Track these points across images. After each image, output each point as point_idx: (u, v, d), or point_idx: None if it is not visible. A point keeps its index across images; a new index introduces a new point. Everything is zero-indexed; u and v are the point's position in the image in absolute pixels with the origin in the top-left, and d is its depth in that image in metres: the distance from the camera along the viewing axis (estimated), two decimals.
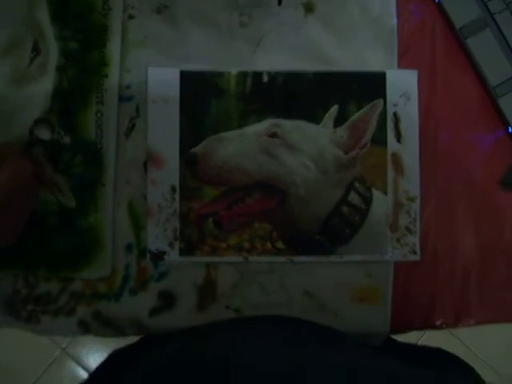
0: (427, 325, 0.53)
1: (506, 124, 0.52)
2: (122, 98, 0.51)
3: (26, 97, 0.51)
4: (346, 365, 0.40)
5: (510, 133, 0.53)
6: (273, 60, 0.52)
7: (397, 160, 0.51)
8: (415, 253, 0.51)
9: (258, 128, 0.51)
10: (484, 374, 0.50)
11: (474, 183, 0.53)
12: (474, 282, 0.53)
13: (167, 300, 0.51)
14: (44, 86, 0.51)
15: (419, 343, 1.05)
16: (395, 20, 0.52)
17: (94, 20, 0.51)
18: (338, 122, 0.51)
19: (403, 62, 0.52)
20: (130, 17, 0.52)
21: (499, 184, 0.53)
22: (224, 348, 0.42)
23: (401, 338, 0.55)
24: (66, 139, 0.51)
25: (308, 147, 0.51)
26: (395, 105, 0.51)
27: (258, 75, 0.51)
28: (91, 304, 0.51)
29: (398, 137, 0.51)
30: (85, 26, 0.52)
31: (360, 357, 0.44)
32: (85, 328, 0.52)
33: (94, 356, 1.25)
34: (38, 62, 0.52)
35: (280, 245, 0.51)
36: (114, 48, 0.51)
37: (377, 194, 0.51)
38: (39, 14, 0.52)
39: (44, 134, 0.49)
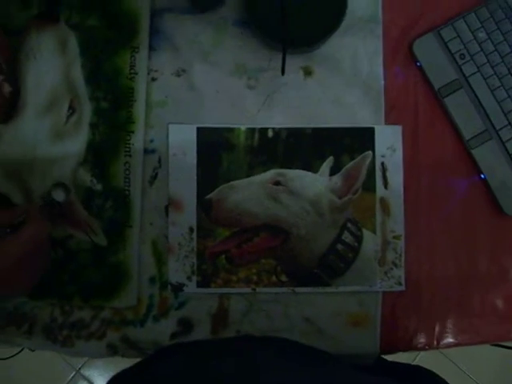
0: (412, 346, 0.60)
1: (479, 171, 0.60)
2: (147, 151, 0.59)
3: (64, 150, 0.59)
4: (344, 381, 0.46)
5: (482, 179, 0.60)
6: (276, 117, 0.60)
7: (384, 204, 0.59)
8: (400, 284, 0.59)
9: (264, 177, 0.59)
10: None
11: (452, 222, 0.61)
12: (452, 309, 0.60)
13: (185, 326, 0.59)
14: (79, 140, 0.59)
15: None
16: (382, 81, 0.60)
17: (123, 83, 0.59)
18: (333, 171, 0.59)
19: (389, 118, 0.60)
20: (153, 79, 0.60)
21: None
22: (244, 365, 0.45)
23: (395, 358, 0.62)
24: (99, 186, 0.59)
25: (307, 193, 0.59)
26: (383, 156, 0.59)
27: (263, 131, 0.59)
28: (119, 329, 0.59)
29: (386, 184, 0.59)
30: (114, 88, 0.59)
31: (353, 375, 0.50)
32: (113, 350, 0.59)
33: (106, 377, 1.32)
34: (73, 120, 0.59)
35: (283, 278, 0.58)
36: (139, 107, 0.59)
37: (367, 234, 0.59)
38: (75, 77, 0.60)
39: (60, 196, 0.57)
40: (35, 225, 0.50)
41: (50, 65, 0.59)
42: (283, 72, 0.56)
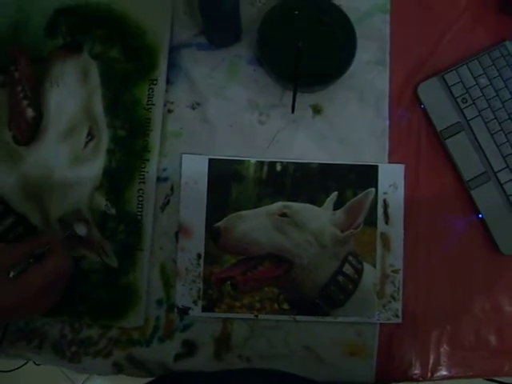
0: (407, 377, 0.63)
1: (477, 211, 0.63)
2: (160, 179, 0.62)
3: (81, 174, 0.62)
4: None
5: (480, 218, 0.63)
6: (285, 152, 0.63)
7: (385, 239, 0.62)
8: (398, 316, 0.62)
9: (271, 208, 0.61)
10: None
11: (449, 258, 0.63)
12: (446, 342, 0.62)
13: (189, 348, 0.61)
14: (96, 166, 0.62)
15: None
16: (387, 122, 0.63)
17: (140, 113, 0.63)
18: (337, 205, 0.62)
19: (393, 157, 0.63)
20: (169, 111, 0.63)
21: None
22: None
23: None
24: (113, 211, 0.62)
25: (311, 226, 0.61)
26: (385, 193, 0.62)
27: (272, 164, 0.62)
28: (126, 348, 0.61)
29: (387, 220, 0.62)
30: (132, 118, 0.63)
31: None
32: (118, 368, 0.62)
33: None
34: (91, 146, 0.63)
35: (285, 306, 0.61)
36: (155, 137, 0.62)
37: (367, 267, 0.61)
38: (95, 105, 0.63)
39: (82, 231, 0.60)
40: (59, 258, 0.53)
41: (72, 93, 0.63)
42: (293, 110, 0.59)
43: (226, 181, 0.62)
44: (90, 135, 0.62)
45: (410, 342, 0.62)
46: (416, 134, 0.64)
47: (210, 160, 0.62)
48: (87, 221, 0.60)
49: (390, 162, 0.63)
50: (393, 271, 0.61)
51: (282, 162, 0.62)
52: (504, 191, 0.62)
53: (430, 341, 0.62)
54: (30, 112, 0.63)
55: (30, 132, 0.62)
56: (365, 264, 0.61)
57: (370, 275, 0.61)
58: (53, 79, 0.63)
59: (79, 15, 0.64)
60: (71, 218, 0.61)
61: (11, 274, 0.50)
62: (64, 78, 0.63)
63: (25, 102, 0.63)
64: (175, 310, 0.61)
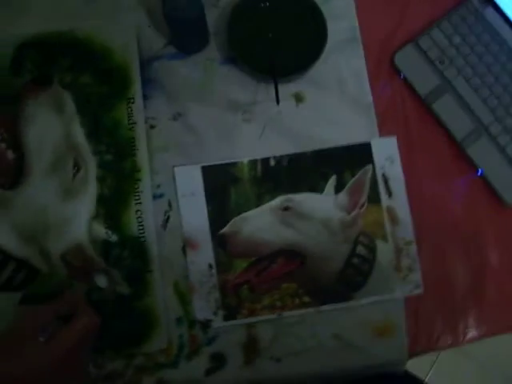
0: (439, 346, 0.62)
1: (476, 168, 0.63)
2: (155, 196, 0.61)
3: (75, 207, 0.60)
4: None
5: (480, 175, 0.63)
6: (275, 145, 0.62)
7: (391, 213, 0.61)
8: (419, 287, 0.61)
9: (272, 204, 0.60)
10: None
11: (458, 220, 0.63)
12: (471, 304, 0.62)
13: (218, 360, 0.60)
14: (88, 195, 0.61)
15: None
16: (370, 97, 0.63)
17: (123, 134, 0.61)
18: (338, 188, 0.61)
19: (383, 130, 0.63)
20: (152, 126, 0.62)
21: None
22: None
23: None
24: (114, 237, 0.60)
25: (317, 214, 0.60)
26: (382, 167, 0.62)
27: (265, 160, 0.61)
28: (154, 373, 0.60)
29: (389, 193, 0.61)
30: (116, 140, 0.61)
31: None
32: None
33: None
34: (80, 176, 0.61)
35: (306, 299, 0.60)
36: (142, 155, 0.61)
37: (380, 244, 0.61)
38: (76, 135, 0.61)
39: (102, 283, 0.58)
40: (86, 317, 0.51)
41: (50, 126, 0.61)
42: (278, 101, 0.58)
43: (222, 186, 0.61)
44: (77, 166, 0.61)
45: (436, 311, 0.62)
46: (401, 104, 0.63)
47: (203, 168, 0.61)
48: (107, 271, 0.58)
49: (381, 137, 0.62)
50: (405, 243, 0.61)
51: (274, 157, 0.61)
52: (498, 143, 0.62)
53: (456, 305, 0.62)
54: (9, 154, 0.61)
55: (13, 175, 0.61)
56: (377, 241, 0.61)
57: (385, 252, 0.61)
58: (28, 117, 0.61)
59: (42, 47, 0.62)
60: (73, 253, 0.59)
61: (41, 338, 0.48)
62: (39, 113, 0.61)
63: (3, 145, 0.61)
64: (197, 324, 0.59)
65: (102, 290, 0.58)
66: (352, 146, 0.62)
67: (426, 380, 1.06)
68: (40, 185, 0.60)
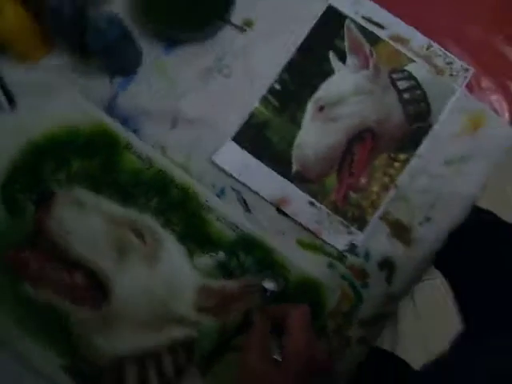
0: None
1: None
2: (218, 195, 0.59)
3: (166, 267, 0.56)
4: None
5: None
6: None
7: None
8: None
9: (308, 114, 0.60)
10: None
11: None
12: None
13: None
14: (168, 248, 0.57)
15: None
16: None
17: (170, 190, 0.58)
18: (342, 58, 0.61)
19: None
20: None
21: None
22: None
23: None
24: (220, 255, 0.57)
25: (347, 92, 0.60)
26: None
27: (272, 88, 0.60)
28: None
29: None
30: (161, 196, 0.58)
31: None
32: None
33: None
34: (148, 239, 0.57)
35: None
36: (182, 177, 0.58)
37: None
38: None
39: (270, 285, 0.55)
40: (295, 309, 0.47)
41: None
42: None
43: (257, 137, 0.59)
44: (137, 235, 0.57)
45: None
46: None
47: (234, 138, 0.59)
48: (272, 276, 0.56)
49: None
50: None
51: (275, 81, 0.60)
52: None
53: None
54: (78, 278, 0.56)
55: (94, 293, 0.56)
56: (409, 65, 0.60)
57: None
58: None
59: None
60: (200, 298, 0.55)
61: (276, 356, 0.45)
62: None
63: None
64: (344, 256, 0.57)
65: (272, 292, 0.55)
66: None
67: None
68: (126, 278, 0.56)
